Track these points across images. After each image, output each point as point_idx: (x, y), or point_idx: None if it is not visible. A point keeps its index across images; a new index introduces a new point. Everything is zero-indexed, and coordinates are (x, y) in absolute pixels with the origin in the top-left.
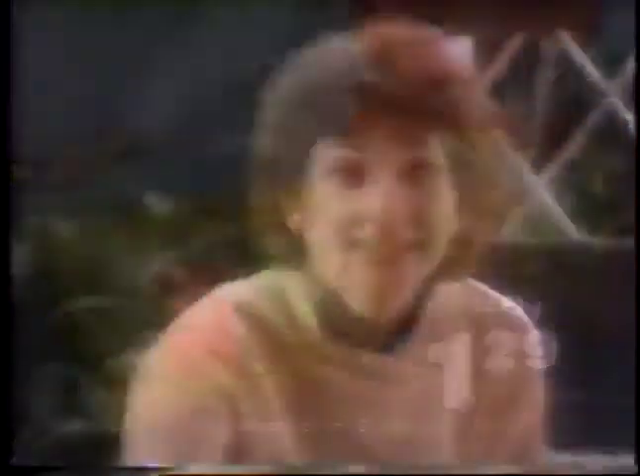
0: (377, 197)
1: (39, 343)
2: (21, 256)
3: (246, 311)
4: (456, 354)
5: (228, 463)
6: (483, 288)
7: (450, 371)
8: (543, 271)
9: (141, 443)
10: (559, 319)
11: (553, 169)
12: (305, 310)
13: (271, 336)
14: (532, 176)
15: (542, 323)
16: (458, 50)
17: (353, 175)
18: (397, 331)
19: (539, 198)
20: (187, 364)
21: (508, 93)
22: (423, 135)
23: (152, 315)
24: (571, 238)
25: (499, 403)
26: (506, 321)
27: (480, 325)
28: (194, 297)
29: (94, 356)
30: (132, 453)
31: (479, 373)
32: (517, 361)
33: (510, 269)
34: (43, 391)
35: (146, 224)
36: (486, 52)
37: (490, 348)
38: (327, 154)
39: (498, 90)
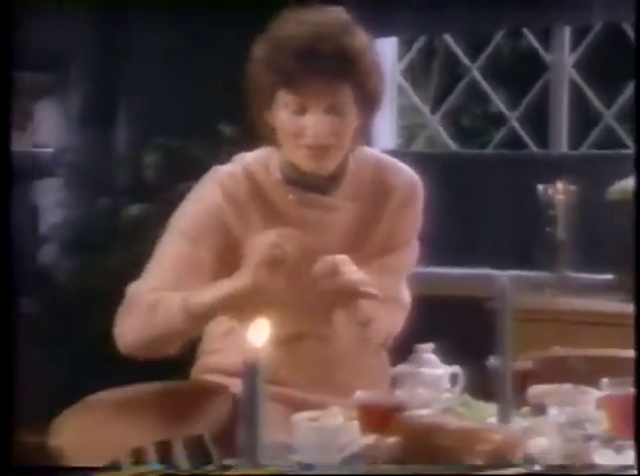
0: (312, 121)
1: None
2: (153, 158)
3: (247, 170)
4: (367, 193)
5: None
6: (388, 157)
7: (364, 204)
8: (433, 167)
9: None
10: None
11: (442, 110)
12: (276, 170)
13: (257, 184)
14: (430, 114)
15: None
16: (363, 33)
17: (298, 109)
18: (331, 181)
19: (434, 127)
20: (203, 188)
21: (417, 71)
22: (340, 86)
23: None
24: (451, 149)
25: (392, 223)
26: (401, 175)
27: (383, 177)
28: None
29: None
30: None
31: (382, 204)
32: (407, 198)
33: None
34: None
35: (217, 142)
36: (405, 46)
37: (389, 189)
38: (284, 96)
39: (412, 69)
